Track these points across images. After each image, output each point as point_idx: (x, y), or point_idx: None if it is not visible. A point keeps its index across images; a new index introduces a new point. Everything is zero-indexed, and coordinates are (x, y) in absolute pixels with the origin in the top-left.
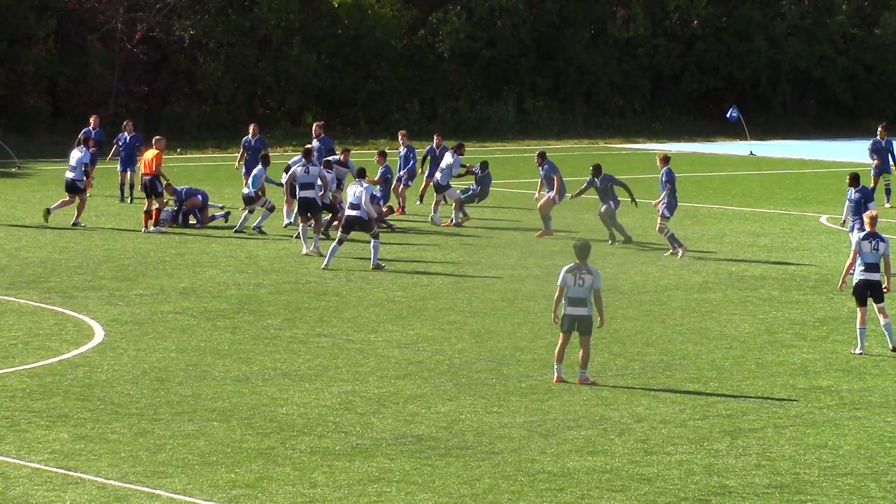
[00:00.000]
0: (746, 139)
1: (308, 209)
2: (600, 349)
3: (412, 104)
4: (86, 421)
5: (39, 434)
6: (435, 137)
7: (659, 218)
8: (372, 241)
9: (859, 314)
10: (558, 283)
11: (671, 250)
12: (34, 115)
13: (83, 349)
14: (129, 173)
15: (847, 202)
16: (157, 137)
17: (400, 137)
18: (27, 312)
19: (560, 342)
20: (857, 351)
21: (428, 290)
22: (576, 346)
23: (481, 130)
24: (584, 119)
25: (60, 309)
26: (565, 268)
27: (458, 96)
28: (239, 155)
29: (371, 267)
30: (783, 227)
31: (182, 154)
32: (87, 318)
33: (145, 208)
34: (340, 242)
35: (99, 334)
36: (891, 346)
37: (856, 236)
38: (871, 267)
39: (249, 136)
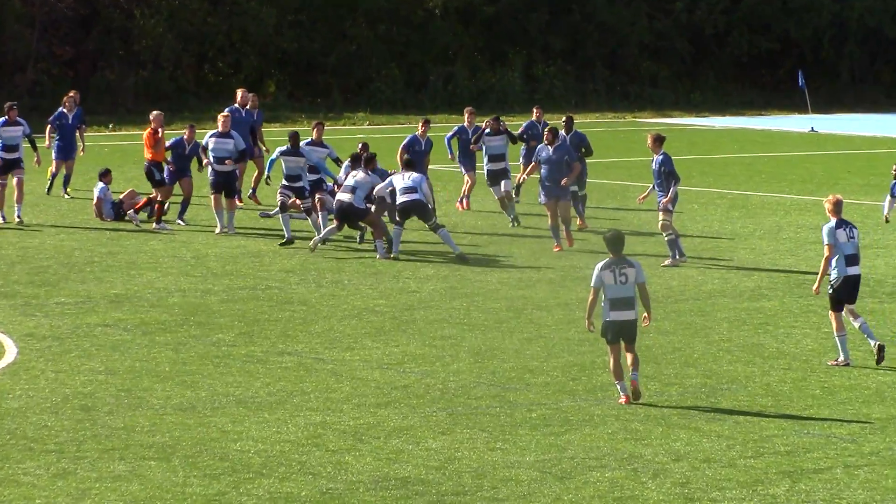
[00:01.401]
0: (807, 112)
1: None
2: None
3: (395, 70)
4: None
5: None
6: (467, 115)
7: (662, 213)
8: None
9: (836, 321)
10: (592, 285)
11: (670, 259)
12: None
13: None
14: (69, 162)
15: (888, 196)
16: (155, 113)
17: (467, 116)
18: None
19: (612, 356)
20: (841, 361)
21: (416, 297)
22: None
23: (482, 102)
24: (606, 88)
25: None
26: (599, 265)
27: (453, 60)
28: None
29: (454, 255)
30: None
31: (115, 130)
32: None
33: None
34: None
35: (10, 352)
36: (875, 345)
37: (827, 227)
38: (852, 259)
39: (238, 105)
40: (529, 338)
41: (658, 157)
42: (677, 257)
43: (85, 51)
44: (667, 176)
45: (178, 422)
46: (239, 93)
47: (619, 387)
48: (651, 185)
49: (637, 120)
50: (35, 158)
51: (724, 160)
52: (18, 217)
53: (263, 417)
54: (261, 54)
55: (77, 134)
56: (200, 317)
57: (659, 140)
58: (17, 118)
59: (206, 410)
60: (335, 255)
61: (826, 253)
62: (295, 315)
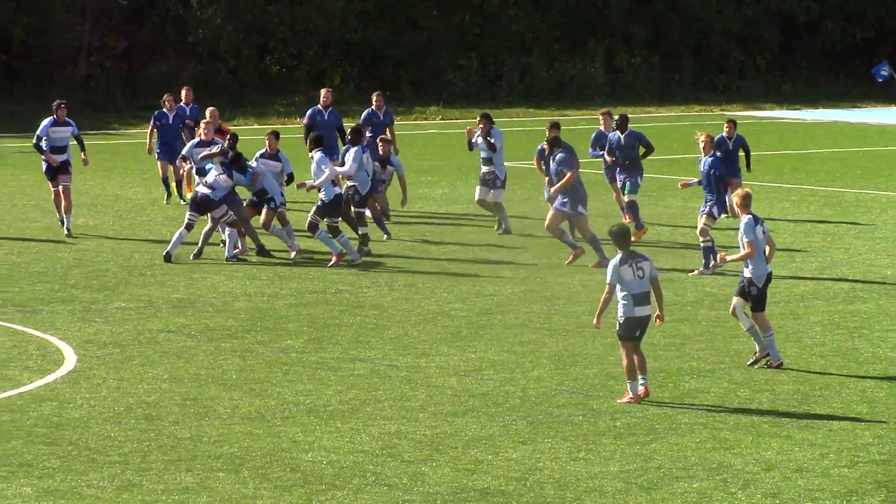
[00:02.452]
0: None
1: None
2: (717, 376)
3: (469, 61)
4: (54, 471)
5: None
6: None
7: (705, 218)
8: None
9: (760, 320)
10: (608, 281)
11: (700, 269)
12: None
13: (50, 378)
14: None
15: None
16: (210, 109)
17: (602, 120)
18: None
19: (626, 353)
20: (763, 356)
21: (493, 301)
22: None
23: (560, 94)
24: (692, 79)
25: (20, 327)
26: (615, 261)
27: (530, 50)
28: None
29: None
30: None
31: None
32: (54, 339)
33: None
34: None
35: (70, 359)
36: (758, 355)
37: (743, 223)
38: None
39: (321, 106)
40: (613, 343)
41: (707, 159)
42: (709, 268)
43: (139, 42)
44: (716, 180)
45: (247, 431)
46: (322, 93)
47: (629, 386)
48: (698, 179)
49: (725, 113)
50: (82, 158)
51: (816, 155)
52: (67, 230)
53: (336, 427)
54: (325, 45)
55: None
56: (268, 322)
57: (712, 140)
58: (66, 118)
59: (275, 420)
60: (408, 256)
61: (746, 251)
62: (367, 320)
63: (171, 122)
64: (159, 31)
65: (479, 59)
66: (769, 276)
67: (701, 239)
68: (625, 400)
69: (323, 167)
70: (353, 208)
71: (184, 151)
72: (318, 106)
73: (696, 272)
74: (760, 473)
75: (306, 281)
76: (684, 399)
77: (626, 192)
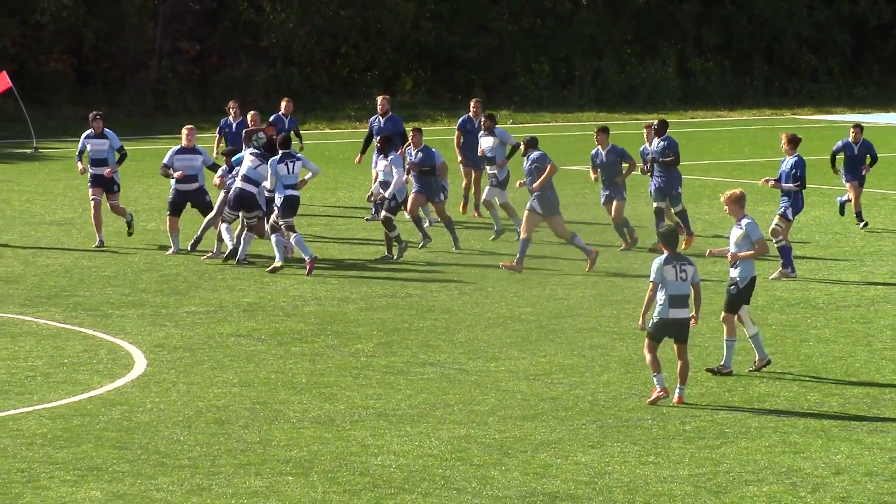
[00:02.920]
0: None
1: None
2: (787, 380)
3: (541, 64)
4: (124, 475)
5: (64, 492)
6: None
7: (777, 219)
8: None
9: (729, 322)
10: (652, 279)
11: (781, 270)
12: (54, 81)
13: (120, 383)
14: None
15: None
16: (252, 113)
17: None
18: (48, 336)
19: (650, 349)
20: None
21: (564, 305)
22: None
23: (632, 98)
24: (764, 83)
25: (90, 331)
26: (660, 260)
27: (601, 54)
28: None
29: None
30: None
31: None
32: (124, 343)
33: None
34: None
35: (140, 363)
36: (760, 359)
37: (746, 223)
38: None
39: (471, 114)
40: None
41: (791, 160)
42: (788, 269)
43: (211, 46)
44: (794, 180)
45: (317, 435)
46: (379, 100)
47: (656, 379)
48: (777, 178)
49: (796, 117)
50: (107, 169)
51: (890, 159)
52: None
53: (405, 431)
54: (397, 49)
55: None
56: (338, 326)
57: (794, 141)
58: (104, 129)
59: (345, 423)
60: (479, 261)
61: (760, 249)
62: (437, 324)
63: (234, 130)
64: (232, 35)
65: (551, 62)
66: (753, 280)
67: (774, 240)
68: (654, 396)
69: (395, 170)
70: (384, 213)
71: (164, 160)
72: (377, 114)
73: (775, 274)
74: (830, 477)
75: (376, 285)
76: (754, 403)
77: (671, 204)
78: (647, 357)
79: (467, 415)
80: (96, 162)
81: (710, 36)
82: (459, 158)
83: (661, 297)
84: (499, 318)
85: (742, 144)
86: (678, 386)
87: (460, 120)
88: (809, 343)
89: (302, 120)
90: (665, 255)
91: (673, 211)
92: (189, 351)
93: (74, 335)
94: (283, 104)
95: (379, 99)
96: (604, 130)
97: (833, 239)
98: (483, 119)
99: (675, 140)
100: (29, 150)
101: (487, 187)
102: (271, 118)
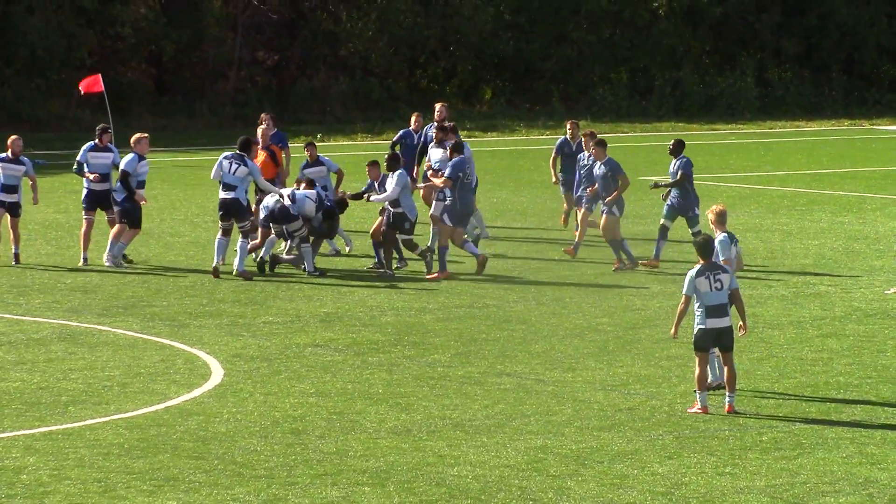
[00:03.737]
0: None
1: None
2: (864, 391)
3: (620, 75)
4: (201, 485)
5: (141, 502)
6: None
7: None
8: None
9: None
10: (684, 292)
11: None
12: (133, 91)
13: (197, 393)
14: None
15: None
16: (263, 115)
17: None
18: (125, 346)
19: (699, 364)
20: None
21: (641, 315)
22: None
23: (711, 108)
24: (844, 93)
25: (167, 341)
26: (692, 272)
27: (680, 65)
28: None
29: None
30: None
31: (323, 140)
32: (201, 353)
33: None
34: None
35: (217, 374)
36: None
37: (718, 239)
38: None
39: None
40: (760, 357)
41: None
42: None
43: (290, 56)
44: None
45: (393, 446)
46: (413, 117)
47: (699, 396)
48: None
49: (875, 128)
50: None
51: None
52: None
53: (481, 441)
54: (476, 58)
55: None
56: (415, 336)
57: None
58: (109, 144)
59: (421, 434)
60: (556, 272)
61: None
62: (514, 334)
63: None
64: (310, 46)
65: (629, 73)
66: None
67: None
68: (693, 410)
69: (389, 186)
70: (399, 235)
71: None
72: (410, 128)
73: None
74: None
75: (454, 295)
76: (831, 414)
77: (689, 225)
78: (697, 371)
79: (544, 425)
80: (97, 177)
81: (789, 46)
82: (553, 180)
83: (697, 308)
84: (576, 328)
85: (820, 155)
86: (727, 394)
87: (558, 142)
88: (887, 354)
89: (380, 130)
90: (698, 266)
91: (691, 231)
92: (266, 361)
93: (152, 345)
94: (413, 119)
95: (413, 116)
96: (601, 143)
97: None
98: (435, 130)
99: (690, 160)
100: None
101: (434, 202)
102: (400, 132)
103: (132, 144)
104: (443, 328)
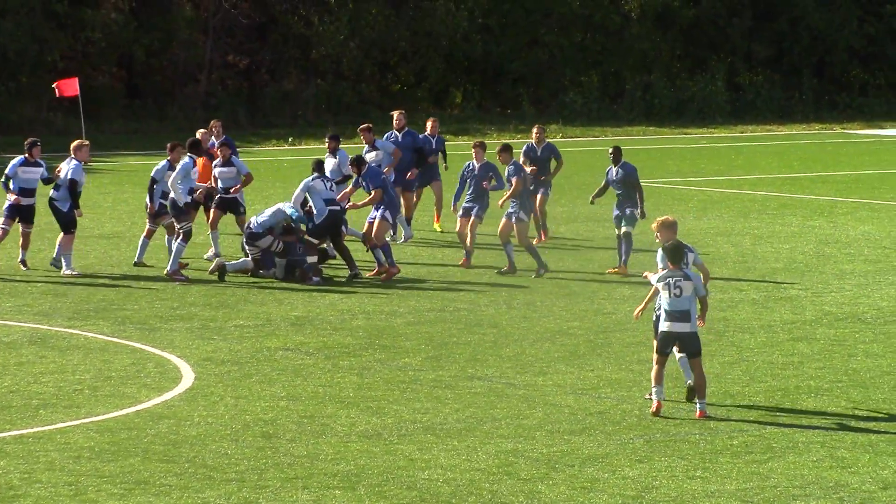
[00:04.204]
0: None
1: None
2: (835, 395)
3: (591, 78)
4: (171, 489)
5: None
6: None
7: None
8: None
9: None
10: (654, 284)
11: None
12: (104, 95)
13: (167, 396)
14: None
15: None
16: (213, 122)
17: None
18: (96, 349)
19: (657, 361)
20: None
21: (612, 319)
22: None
23: (682, 112)
24: (814, 97)
25: (138, 344)
26: (658, 275)
27: (651, 68)
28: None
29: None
30: None
31: (294, 145)
32: (172, 357)
33: None
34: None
35: (188, 377)
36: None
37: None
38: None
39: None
40: (731, 361)
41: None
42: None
43: (261, 60)
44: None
45: (364, 449)
46: (395, 115)
47: (654, 391)
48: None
49: (846, 131)
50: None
51: None
52: (23, 262)
53: (452, 445)
54: (446, 62)
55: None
56: (386, 340)
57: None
58: (38, 158)
59: (392, 437)
60: (527, 275)
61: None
62: (485, 338)
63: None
64: (281, 49)
65: (600, 76)
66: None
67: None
68: (654, 408)
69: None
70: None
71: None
72: (393, 129)
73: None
74: (878, 492)
75: (424, 299)
76: (801, 418)
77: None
78: (654, 368)
79: (515, 429)
80: (25, 192)
81: (760, 50)
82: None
83: (658, 311)
84: (547, 332)
85: (791, 159)
86: (697, 400)
87: (524, 147)
88: (857, 358)
89: (352, 134)
90: (665, 270)
91: (622, 231)
92: (237, 364)
93: (122, 348)
94: (428, 124)
95: (395, 114)
96: (481, 146)
97: (882, 253)
98: (328, 140)
99: (634, 167)
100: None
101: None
102: (419, 138)
103: (72, 152)
104: (414, 332)
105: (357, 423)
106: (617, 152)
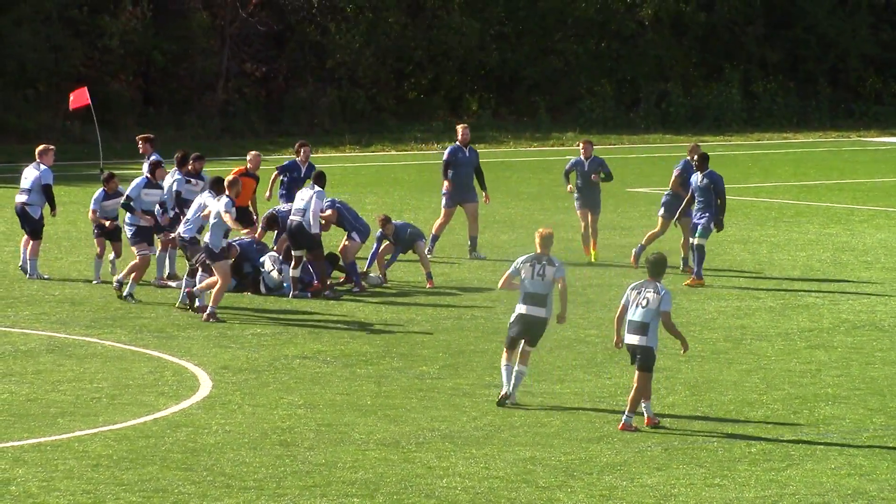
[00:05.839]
0: None
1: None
2: (853, 402)
3: (605, 87)
4: (189, 497)
5: None
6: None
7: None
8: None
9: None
10: (622, 302)
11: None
12: (121, 103)
13: (185, 404)
14: None
15: None
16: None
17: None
18: (114, 357)
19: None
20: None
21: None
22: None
23: (697, 120)
24: (830, 105)
25: (156, 353)
26: (631, 285)
27: (666, 76)
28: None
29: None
30: None
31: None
32: (189, 365)
33: None
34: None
35: (205, 385)
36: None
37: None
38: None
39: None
40: (749, 369)
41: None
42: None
43: (277, 68)
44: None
45: (382, 457)
46: (459, 130)
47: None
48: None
49: (862, 139)
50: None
51: None
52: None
53: (471, 453)
54: (462, 70)
55: None
56: (403, 348)
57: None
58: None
59: (410, 446)
60: None
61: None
62: (502, 346)
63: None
64: (298, 57)
65: (616, 84)
66: (519, 317)
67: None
68: (646, 423)
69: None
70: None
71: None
72: (458, 143)
73: None
74: None
75: (442, 307)
76: (819, 425)
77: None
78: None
79: (533, 437)
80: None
81: (775, 57)
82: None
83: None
84: (564, 340)
85: (808, 167)
86: (636, 409)
87: (573, 161)
88: (875, 365)
89: (367, 142)
90: (640, 281)
91: (694, 243)
92: (254, 373)
93: (140, 357)
94: (459, 131)
95: (460, 129)
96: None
97: None
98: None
99: (720, 176)
100: (96, 172)
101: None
102: (449, 148)
103: (38, 156)
104: (431, 340)
105: (375, 431)
106: (703, 159)
